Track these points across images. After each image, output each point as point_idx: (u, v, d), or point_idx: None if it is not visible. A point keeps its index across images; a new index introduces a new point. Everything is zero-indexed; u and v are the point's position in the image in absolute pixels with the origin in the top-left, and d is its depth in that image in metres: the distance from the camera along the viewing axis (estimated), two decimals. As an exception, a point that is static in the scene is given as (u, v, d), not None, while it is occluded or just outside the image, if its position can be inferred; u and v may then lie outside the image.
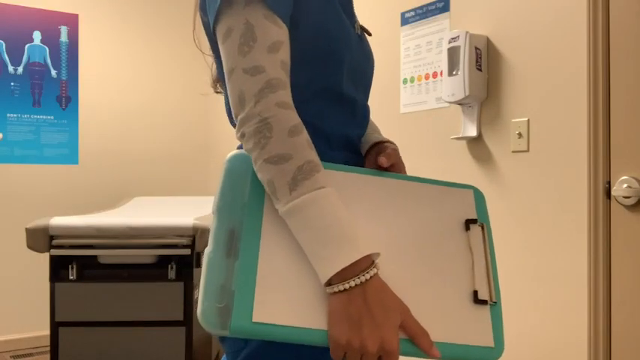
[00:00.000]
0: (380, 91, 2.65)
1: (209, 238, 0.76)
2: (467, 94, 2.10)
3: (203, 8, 0.93)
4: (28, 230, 2.41)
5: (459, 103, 2.18)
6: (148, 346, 2.47)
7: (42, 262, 3.74)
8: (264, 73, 0.78)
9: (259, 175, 0.78)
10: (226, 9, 0.82)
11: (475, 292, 0.77)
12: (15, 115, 3.69)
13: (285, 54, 0.81)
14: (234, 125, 0.84)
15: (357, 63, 0.96)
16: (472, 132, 2.18)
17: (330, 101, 0.92)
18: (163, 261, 2.52)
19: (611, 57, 1.78)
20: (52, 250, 2.42)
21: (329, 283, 0.73)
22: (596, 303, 1.79)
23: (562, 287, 1.90)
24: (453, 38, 2.14)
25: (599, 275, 1.79)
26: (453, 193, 0.86)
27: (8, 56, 3.67)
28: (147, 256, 2.49)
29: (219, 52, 0.92)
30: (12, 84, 3.69)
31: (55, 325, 2.45)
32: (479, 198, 0.87)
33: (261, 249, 0.74)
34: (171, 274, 2.45)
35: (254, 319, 0.69)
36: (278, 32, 0.81)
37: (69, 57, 3.86)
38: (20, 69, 3.71)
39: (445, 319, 0.75)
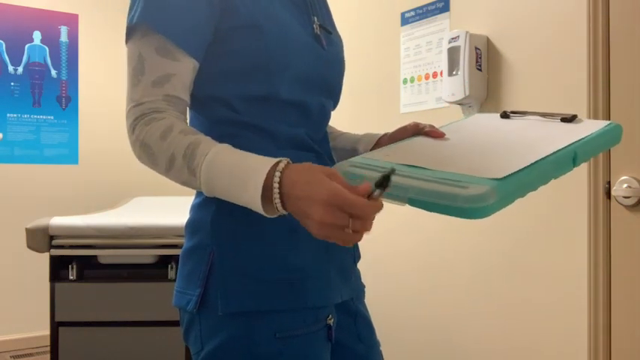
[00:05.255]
0: (380, 91, 2.65)
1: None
2: (467, 94, 2.10)
3: None
4: (28, 230, 2.41)
5: (459, 103, 2.18)
6: (148, 346, 2.47)
7: (42, 262, 3.74)
8: (142, 106, 0.85)
9: (179, 183, 0.85)
10: (129, 37, 0.88)
11: (562, 118, 0.90)
12: (15, 115, 3.69)
13: (172, 87, 0.86)
14: None
15: (309, 68, 0.95)
16: (472, 132, 2.18)
17: (272, 106, 0.92)
18: (163, 261, 2.52)
19: (611, 57, 1.78)
20: (52, 250, 2.42)
21: (271, 210, 0.77)
22: (596, 303, 1.79)
23: (562, 287, 1.90)
24: (453, 38, 2.14)
25: (599, 275, 1.79)
26: (473, 119, 1.02)
27: (8, 56, 3.67)
28: (147, 256, 2.48)
29: None
30: (12, 84, 3.69)
31: (55, 325, 2.45)
32: (488, 114, 1.03)
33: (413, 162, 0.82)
34: (171, 274, 2.45)
35: (500, 177, 0.73)
36: (169, 66, 0.85)
37: (69, 57, 3.86)
38: (20, 69, 3.71)
39: (569, 134, 0.84)
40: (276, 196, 0.74)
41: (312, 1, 1.02)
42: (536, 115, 0.93)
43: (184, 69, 0.87)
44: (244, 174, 0.76)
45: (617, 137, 0.88)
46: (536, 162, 0.77)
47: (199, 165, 0.79)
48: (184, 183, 0.83)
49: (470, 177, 0.74)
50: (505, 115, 0.97)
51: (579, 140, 0.82)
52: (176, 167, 0.81)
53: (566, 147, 0.81)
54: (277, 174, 0.74)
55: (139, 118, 0.84)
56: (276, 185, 0.74)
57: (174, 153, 0.81)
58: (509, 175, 0.73)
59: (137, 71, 0.86)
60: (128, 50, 0.88)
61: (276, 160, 0.77)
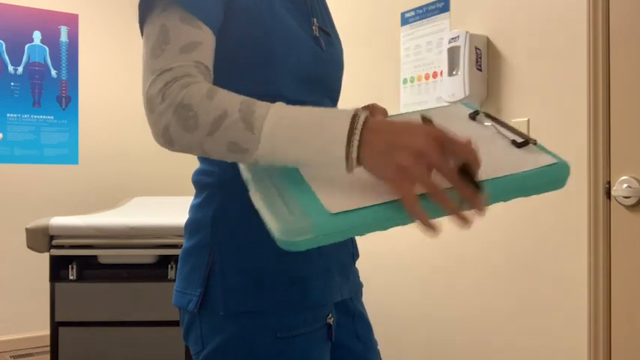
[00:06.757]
0: (380, 91, 2.65)
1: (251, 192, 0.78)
2: (467, 94, 2.10)
3: None
4: (28, 230, 2.41)
5: (459, 103, 2.18)
6: (148, 346, 2.47)
7: (42, 262, 3.74)
8: (171, 71, 0.77)
9: (215, 152, 0.75)
10: (147, 16, 0.83)
11: (513, 141, 0.80)
12: (15, 115, 3.69)
13: (201, 54, 0.80)
14: None
15: (308, 68, 0.94)
16: (472, 132, 2.18)
17: None
18: (163, 261, 2.52)
19: (611, 57, 1.78)
20: (52, 250, 2.42)
21: (348, 165, 0.70)
22: (596, 303, 1.79)
23: (562, 287, 1.90)
24: (453, 38, 2.14)
25: (599, 275, 1.79)
26: (450, 108, 0.95)
27: (8, 56, 3.67)
28: (147, 256, 2.49)
29: None
30: (12, 84, 3.69)
31: (55, 325, 2.45)
32: (471, 105, 0.94)
33: (303, 175, 0.75)
34: (172, 274, 2.45)
35: (332, 211, 0.67)
36: (195, 33, 0.80)
37: (69, 57, 3.87)
38: (20, 69, 3.71)
39: (505, 162, 0.76)
40: (357, 133, 0.68)
41: (312, 3, 1.02)
42: (502, 127, 0.85)
43: (209, 40, 0.83)
44: (323, 120, 0.70)
45: (554, 180, 0.76)
46: (390, 202, 0.69)
47: (263, 117, 0.71)
48: (230, 145, 0.73)
49: (313, 205, 0.69)
50: (473, 116, 0.90)
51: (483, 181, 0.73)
52: (226, 125, 0.72)
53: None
54: (364, 114, 0.70)
55: (171, 82, 0.75)
56: (361, 121, 0.69)
57: (227, 109, 0.72)
58: (348, 212, 0.68)
59: (160, 42, 0.79)
60: (147, 28, 0.83)
61: (349, 110, 0.72)
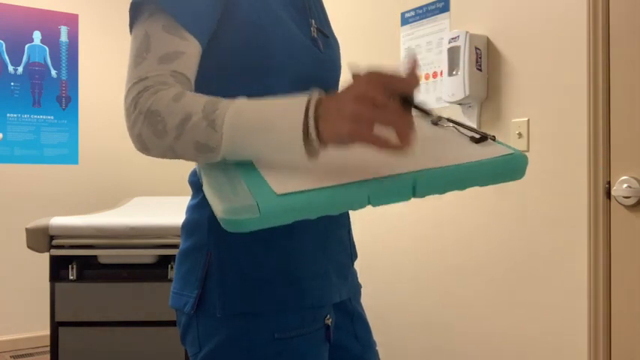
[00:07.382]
0: (380, 91, 2.65)
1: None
2: (467, 94, 2.10)
3: None
4: (28, 230, 2.41)
5: (459, 103, 2.18)
6: (148, 346, 2.47)
7: (42, 262, 3.74)
8: (146, 80, 0.77)
9: (185, 155, 0.76)
10: (134, 21, 0.84)
11: (471, 137, 0.81)
12: (15, 115, 3.69)
13: (181, 64, 0.80)
14: None
15: (307, 69, 0.94)
16: (472, 132, 2.18)
17: None
18: (163, 261, 2.52)
19: (611, 57, 1.78)
20: (52, 250, 2.42)
21: (310, 149, 0.70)
22: (596, 303, 1.79)
23: (562, 287, 1.90)
24: (453, 38, 2.14)
25: (599, 275, 1.79)
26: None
27: (8, 56, 3.67)
28: (147, 256, 2.49)
29: None
30: (12, 84, 3.69)
31: (55, 325, 2.45)
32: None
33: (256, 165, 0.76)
34: (171, 274, 2.45)
35: (278, 192, 0.68)
36: (178, 43, 0.80)
37: (69, 57, 3.87)
38: (20, 69, 3.71)
39: (461, 154, 0.77)
40: (311, 112, 0.69)
41: (310, 5, 1.02)
42: (462, 128, 0.85)
43: (192, 50, 0.82)
44: (281, 107, 0.71)
45: (511, 170, 0.76)
46: (349, 184, 0.69)
47: (223, 113, 0.72)
48: (197, 145, 0.73)
49: (259, 186, 0.70)
50: (435, 122, 0.88)
51: (434, 168, 0.73)
52: (190, 125, 0.73)
53: (408, 173, 0.72)
54: (317, 93, 0.71)
55: (143, 91, 0.76)
56: (313, 104, 0.70)
57: (191, 111, 0.73)
58: (294, 193, 0.68)
59: (141, 50, 0.79)
60: (134, 33, 0.83)
61: (306, 97, 0.72)
